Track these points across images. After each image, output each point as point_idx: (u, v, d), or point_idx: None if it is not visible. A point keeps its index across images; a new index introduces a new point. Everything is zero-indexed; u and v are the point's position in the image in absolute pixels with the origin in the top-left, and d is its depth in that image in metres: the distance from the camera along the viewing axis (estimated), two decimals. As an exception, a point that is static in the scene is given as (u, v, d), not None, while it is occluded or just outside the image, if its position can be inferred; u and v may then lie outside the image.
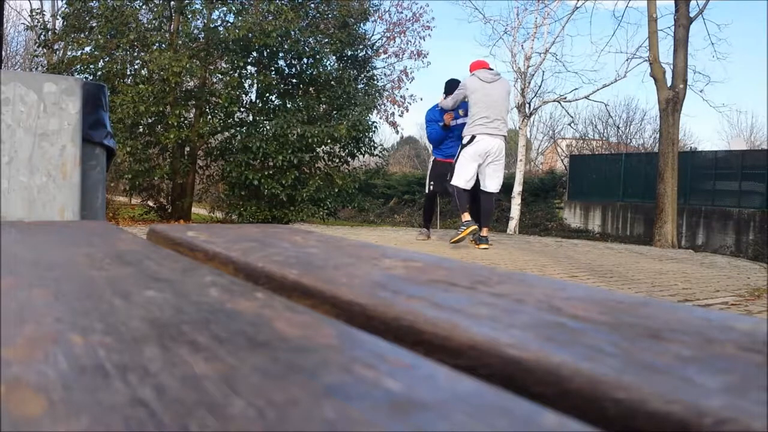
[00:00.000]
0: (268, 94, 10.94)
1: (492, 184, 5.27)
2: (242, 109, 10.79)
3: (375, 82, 12.69)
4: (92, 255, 0.51)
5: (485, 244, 5.22)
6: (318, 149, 10.46)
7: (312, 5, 10.96)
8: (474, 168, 5.21)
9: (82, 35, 10.04)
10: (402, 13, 18.13)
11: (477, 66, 5.36)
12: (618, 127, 23.71)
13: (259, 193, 10.01)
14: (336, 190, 10.37)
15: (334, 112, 10.87)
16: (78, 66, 9.88)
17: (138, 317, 0.30)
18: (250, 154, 9.74)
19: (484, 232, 5.26)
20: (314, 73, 10.62)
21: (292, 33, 9.97)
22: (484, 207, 5.34)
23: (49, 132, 1.32)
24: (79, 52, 10.11)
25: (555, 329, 0.30)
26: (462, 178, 5.23)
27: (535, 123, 24.01)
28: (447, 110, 5.61)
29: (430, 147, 6.68)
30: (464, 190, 5.24)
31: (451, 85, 5.64)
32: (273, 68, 10.88)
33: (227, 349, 0.25)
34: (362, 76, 12.10)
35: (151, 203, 10.87)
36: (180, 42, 10.15)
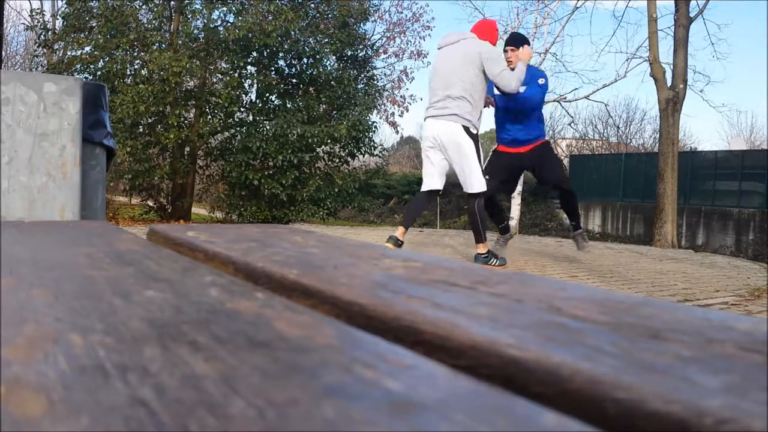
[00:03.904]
0: (268, 94, 10.94)
1: (464, 183, 4.00)
2: (242, 109, 10.80)
3: (375, 82, 12.70)
4: (92, 255, 0.51)
5: (481, 263, 3.88)
6: (318, 149, 10.47)
7: (312, 5, 10.96)
8: (430, 164, 4.06)
9: (82, 35, 10.04)
10: (402, 13, 18.15)
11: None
12: (618, 127, 23.73)
13: (259, 193, 10.02)
14: (336, 190, 10.37)
15: (334, 112, 10.88)
16: (78, 66, 9.88)
17: (138, 317, 0.30)
18: (250, 154, 9.74)
19: (480, 248, 4.03)
20: (314, 73, 10.63)
21: (292, 33, 9.98)
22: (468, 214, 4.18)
23: (49, 132, 1.32)
24: (79, 52, 10.11)
25: (555, 329, 0.30)
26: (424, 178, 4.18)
27: (535, 123, 23.96)
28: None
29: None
30: (427, 195, 4.14)
31: (517, 38, 4.22)
32: (273, 68, 10.89)
33: (227, 349, 0.25)
34: (362, 76, 12.10)
35: (151, 203, 10.87)
36: (180, 42, 10.15)
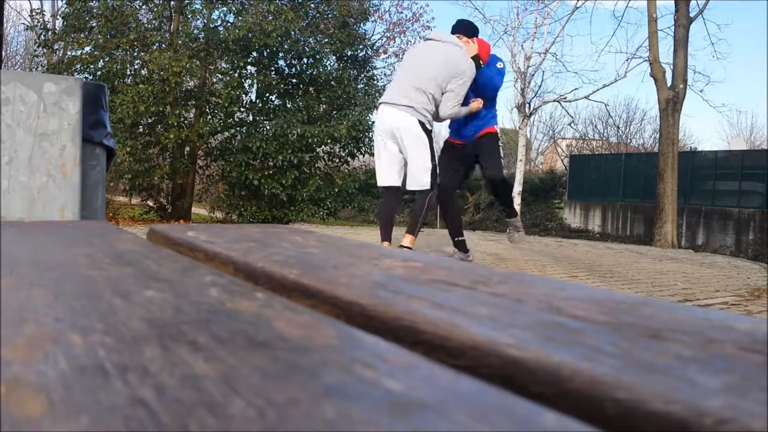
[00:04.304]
0: (268, 94, 10.95)
1: (413, 178, 3.68)
2: (242, 109, 10.81)
3: (375, 82, 12.70)
4: (92, 255, 0.51)
5: None
6: (318, 149, 10.47)
7: (312, 5, 10.96)
8: (384, 156, 3.72)
9: (82, 35, 10.04)
10: (402, 13, 18.12)
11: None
12: (618, 127, 23.76)
13: (259, 193, 10.02)
14: (336, 190, 10.38)
15: (334, 112, 10.89)
16: (78, 66, 9.88)
17: (138, 317, 0.30)
18: (250, 154, 9.75)
19: (406, 240, 3.70)
20: (314, 73, 10.63)
21: (292, 33, 9.98)
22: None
23: (49, 132, 1.32)
24: (79, 52, 10.11)
25: (555, 329, 0.30)
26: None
27: (535, 123, 24.06)
28: None
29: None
30: (389, 194, 3.78)
31: (469, 27, 3.98)
32: (273, 68, 10.90)
33: (227, 349, 0.25)
34: (362, 76, 12.10)
35: (151, 203, 10.87)
36: (180, 42, 10.15)
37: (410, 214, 3.79)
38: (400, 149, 3.67)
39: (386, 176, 3.72)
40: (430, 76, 3.58)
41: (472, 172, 4.36)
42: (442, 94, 3.62)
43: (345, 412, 0.19)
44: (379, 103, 3.76)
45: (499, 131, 4.09)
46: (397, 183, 3.75)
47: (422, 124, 3.60)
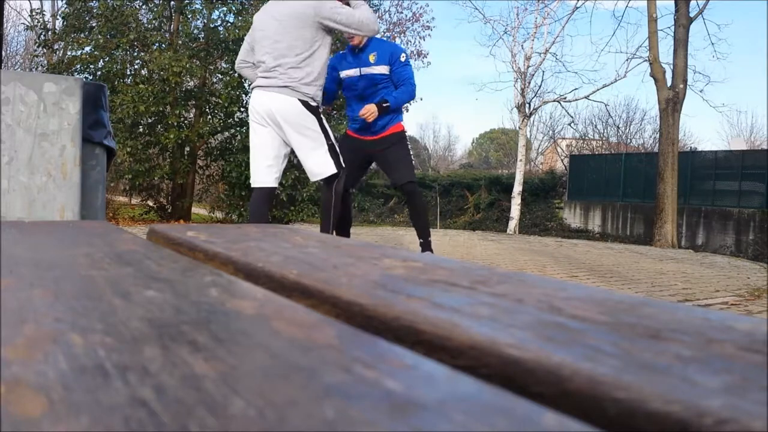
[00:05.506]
0: (268, 94, 10.94)
1: (310, 170, 3.19)
2: (242, 109, 10.81)
3: (375, 82, 12.67)
4: (92, 255, 0.51)
5: None
6: (318, 149, 10.46)
7: (312, 5, 10.96)
8: (266, 149, 3.29)
9: (82, 35, 10.05)
10: (402, 13, 18.14)
11: None
12: (618, 127, 23.79)
13: (259, 193, 10.02)
14: (336, 190, 10.36)
15: (334, 112, 10.88)
16: (78, 66, 9.89)
17: (138, 317, 0.30)
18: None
19: None
20: (314, 73, 10.62)
21: (292, 33, 9.98)
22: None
23: (49, 132, 1.32)
24: (79, 52, 10.12)
25: (555, 329, 0.30)
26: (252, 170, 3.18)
27: (535, 123, 24.13)
28: None
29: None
30: (263, 195, 3.31)
31: None
32: (273, 68, 10.89)
33: (227, 349, 0.25)
34: (362, 76, 12.08)
35: (151, 203, 10.88)
36: (180, 42, 10.16)
37: (322, 209, 3.25)
38: (283, 139, 3.21)
39: (264, 177, 3.26)
40: (292, 43, 3.02)
41: (365, 172, 3.90)
42: (315, 45, 3.04)
43: (345, 412, 0.19)
44: (253, 87, 3.23)
45: (404, 128, 3.67)
46: (274, 184, 3.28)
47: (305, 104, 3.10)
